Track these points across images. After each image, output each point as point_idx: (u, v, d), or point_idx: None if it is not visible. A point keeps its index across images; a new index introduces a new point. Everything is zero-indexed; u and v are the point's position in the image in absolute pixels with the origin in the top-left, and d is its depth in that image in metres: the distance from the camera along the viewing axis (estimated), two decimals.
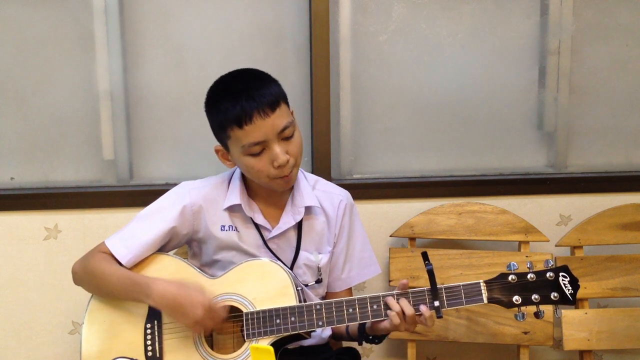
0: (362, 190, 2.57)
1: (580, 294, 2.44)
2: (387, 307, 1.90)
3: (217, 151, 2.07)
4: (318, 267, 2.12)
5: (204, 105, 2.02)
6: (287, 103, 2.00)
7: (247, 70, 2.04)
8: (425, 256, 1.91)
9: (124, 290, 1.96)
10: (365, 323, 2.00)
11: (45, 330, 2.54)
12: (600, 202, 2.61)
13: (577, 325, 2.42)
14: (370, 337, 2.02)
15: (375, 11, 2.58)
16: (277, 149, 1.94)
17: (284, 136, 1.95)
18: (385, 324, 1.92)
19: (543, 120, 2.70)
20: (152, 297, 1.91)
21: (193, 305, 1.88)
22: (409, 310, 1.88)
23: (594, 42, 2.67)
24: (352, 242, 2.19)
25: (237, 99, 1.92)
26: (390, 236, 2.53)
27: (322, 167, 2.56)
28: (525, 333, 2.42)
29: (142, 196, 2.40)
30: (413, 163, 2.67)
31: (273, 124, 1.92)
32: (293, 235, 2.11)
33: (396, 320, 1.88)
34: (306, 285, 2.10)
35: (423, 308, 1.89)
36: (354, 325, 2.07)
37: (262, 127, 1.91)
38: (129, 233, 2.04)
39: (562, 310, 2.42)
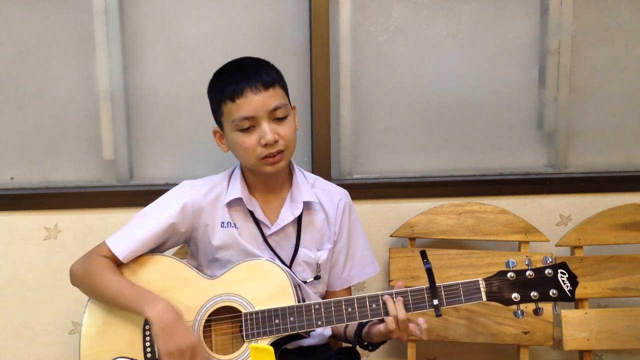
0: (362, 190, 2.57)
1: (580, 294, 2.44)
2: (386, 308, 1.90)
3: (214, 133, 2.11)
4: (317, 263, 2.12)
5: (207, 89, 2.09)
6: (285, 90, 2.06)
7: (250, 57, 2.10)
8: (423, 255, 1.91)
9: (124, 300, 1.95)
10: (362, 328, 2.00)
11: (45, 330, 2.54)
12: (600, 202, 2.61)
13: (577, 325, 2.42)
14: (365, 343, 2.02)
15: (375, 11, 2.58)
16: (266, 126, 1.97)
17: (276, 116, 1.99)
18: (380, 327, 1.92)
19: (543, 120, 2.70)
20: (152, 310, 1.90)
21: (183, 337, 1.88)
22: (402, 314, 1.88)
23: (594, 42, 2.67)
24: (353, 240, 2.20)
25: (233, 77, 2.00)
26: (390, 236, 2.53)
27: (322, 167, 2.56)
28: (525, 333, 2.42)
29: (142, 196, 2.40)
30: (413, 163, 2.67)
31: (264, 101, 1.97)
32: (292, 232, 2.11)
33: (392, 325, 1.88)
34: (305, 282, 2.10)
35: (421, 320, 1.90)
36: (351, 328, 2.07)
37: (252, 101, 1.96)
38: (128, 230, 2.05)
39: (562, 310, 2.42)
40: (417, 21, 2.60)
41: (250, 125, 1.98)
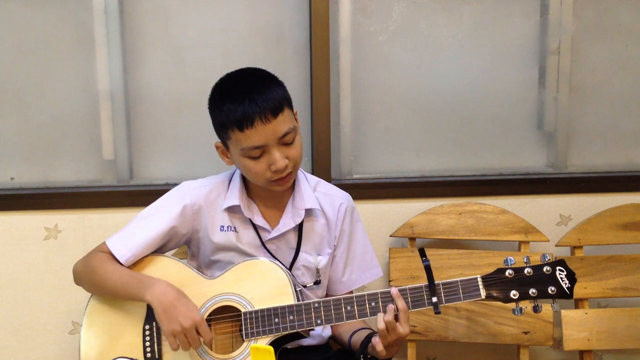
0: (362, 190, 2.57)
1: (580, 294, 2.44)
2: (386, 304, 1.89)
3: (217, 147, 2.07)
4: (317, 268, 2.12)
5: (208, 102, 2.02)
6: (290, 107, 1.99)
7: (253, 72, 2.03)
8: (422, 252, 1.91)
9: (124, 287, 1.96)
10: (369, 342, 1.97)
11: (45, 330, 2.54)
12: (600, 202, 2.61)
13: (577, 325, 2.42)
14: (369, 357, 1.99)
15: (375, 11, 2.58)
16: (277, 154, 1.93)
17: (285, 142, 1.95)
18: (376, 339, 1.91)
19: (543, 120, 2.70)
20: (151, 293, 1.91)
21: (185, 315, 1.88)
22: (389, 316, 1.86)
23: (594, 42, 2.67)
24: (353, 245, 2.19)
25: (240, 102, 1.91)
26: (390, 236, 2.53)
27: (322, 167, 2.56)
28: (525, 333, 2.42)
29: (142, 196, 2.41)
30: (413, 163, 2.67)
31: (274, 130, 1.92)
32: (293, 237, 2.11)
33: (383, 334, 1.87)
34: (305, 287, 2.10)
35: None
36: (356, 339, 2.05)
37: (262, 132, 1.91)
38: (129, 233, 2.04)
39: (563, 310, 2.42)
40: (417, 21, 2.60)
41: (260, 153, 1.94)
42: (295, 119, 2.02)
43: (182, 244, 2.13)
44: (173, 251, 2.22)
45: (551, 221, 2.65)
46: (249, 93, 1.92)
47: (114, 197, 2.52)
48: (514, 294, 1.87)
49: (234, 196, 2.06)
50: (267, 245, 2.08)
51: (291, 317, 1.92)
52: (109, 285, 1.98)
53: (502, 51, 2.65)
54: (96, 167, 2.57)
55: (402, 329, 1.86)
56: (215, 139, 2.06)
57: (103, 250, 2.03)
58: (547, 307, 2.36)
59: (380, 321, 1.87)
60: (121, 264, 2.00)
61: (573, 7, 2.63)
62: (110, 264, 1.99)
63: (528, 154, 2.71)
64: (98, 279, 2.00)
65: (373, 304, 1.90)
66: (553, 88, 2.67)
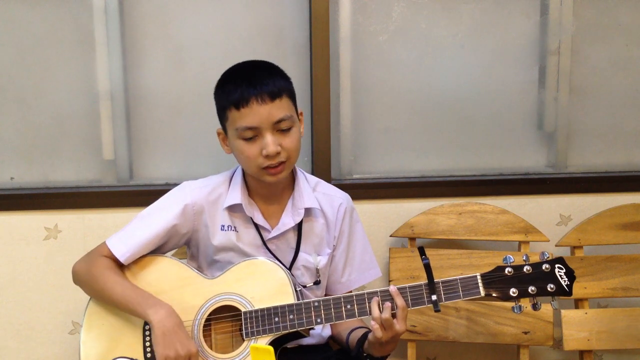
0: (362, 190, 2.57)
1: (580, 294, 2.44)
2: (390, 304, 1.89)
3: (218, 134, 2.09)
4: (316, 268, 2.11)
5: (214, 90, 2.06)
6: (292, 100, 2.02)
7: (260, 63, 2.07)
8: (421, 251, 1.91)
9: (126, 301, 1.95)
10: (364, 340, 1.98)
11: (45, 330, 2.54)
12: (600, 202, 2.61)
13: (577, 325, 2.42)
14: (365, 355, 1.99)
15: (375, 11, 2.58)
16: (269, 138, 1.95)
17: (280, 128, 1.96)
18: (370, 337, 1.91)
19: (543, 120, 2.70)
20: (155, 313, 1.90)
21: (184, 344, 1.88)
22: (385, 313, 1.86)
23: (594, 42, 2.67)
24: (352, 245, 2.19)
25: (240, 83, 1.95)
26: (390, 236, 2.53)
27: (322, 167, 2.56)
28: (525, 333, 2.42)
29: (142, 196, 2.41)
30: (413, 163, 2.67)
31: (269, 112, 1.94)
32: (292, 237, 2.11)
33: (376, 328, 1.86)
34: (304, 287, 2.09)
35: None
36: (353, 338, 2.05)
37: (257, 112, 1.93)
38: (129, 232, 2.04)
39: (563, 310, 2.42)
40: (417, 21, 2.60)
41: (253, 135, 1.96)
42: (300, 119, 2.05)
43: (182, 244, 2.13)
44: (173, 251, 2.22)
45: (551, 221, 2.65)
46: (250, 76, 1.96)
47: (114, 197, 2.52)
48: (513, 291, 1.86)
49: (236, 195, 2.07)
50: (267, 245, 2.08)
51: (291, 316, 1.92)
52: (110, 297, 1.97)
53: (502, 51, 2.65)
54: (96, 167, 2.57)
55: (399, 326, 1.87)
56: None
57: (103, 252, 2.02)
58: (547, 307, 2.36)
59: (371, 320, 1.87)
60: (121, 263, 2.00)
61: (573, 7, 2.63)
62: (112, 274, 1.98)
63: (528, 154, 2.71)
64: (99, 288, 1.99)
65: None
66: (553, 88, 2.67)
